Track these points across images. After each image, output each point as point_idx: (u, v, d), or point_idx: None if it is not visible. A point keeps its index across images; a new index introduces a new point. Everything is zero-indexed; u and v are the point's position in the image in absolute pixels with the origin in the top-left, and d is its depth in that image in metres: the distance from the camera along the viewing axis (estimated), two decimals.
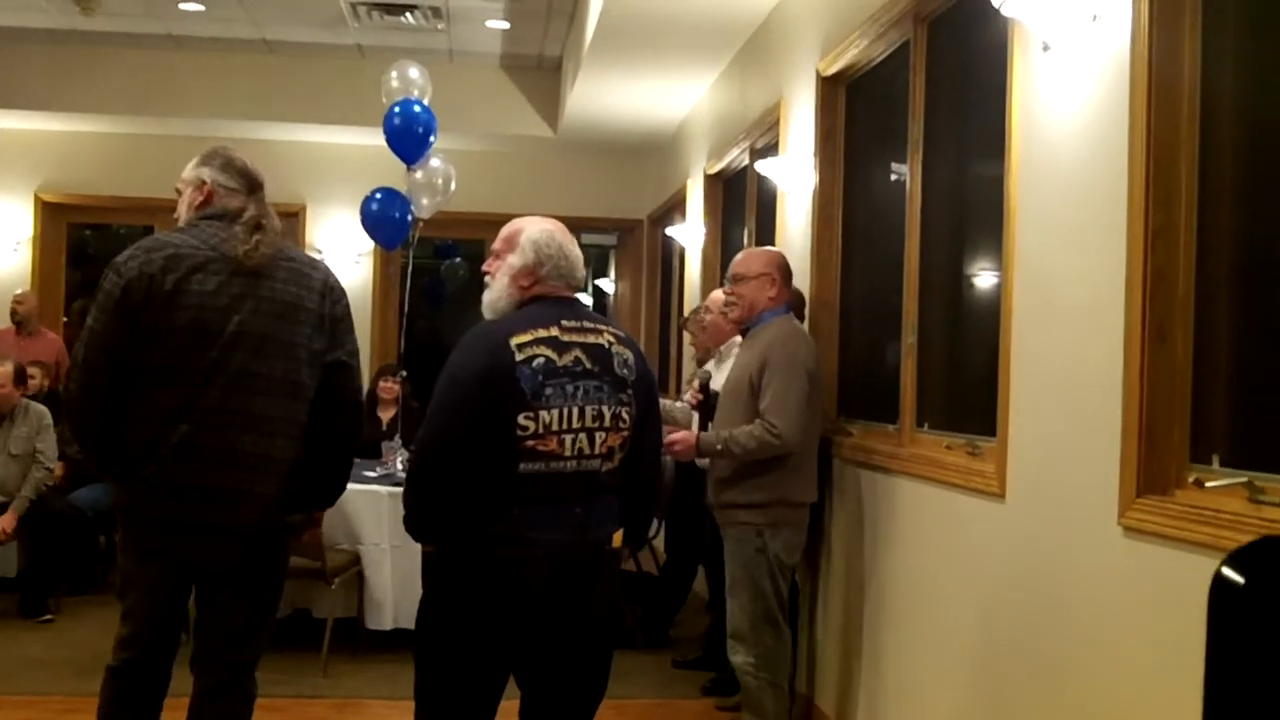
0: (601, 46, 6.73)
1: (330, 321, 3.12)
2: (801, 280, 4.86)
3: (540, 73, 9.40)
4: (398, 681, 4.72)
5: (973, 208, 3.94)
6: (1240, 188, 2.63)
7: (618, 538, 2.88)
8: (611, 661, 2.93)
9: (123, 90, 9.15)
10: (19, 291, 8.55)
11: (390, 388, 7.35)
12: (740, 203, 6.87)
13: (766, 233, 5.88)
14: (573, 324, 2.79)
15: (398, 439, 6.44)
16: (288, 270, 3.07)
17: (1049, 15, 2.94)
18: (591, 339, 2.80)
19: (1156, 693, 2.49)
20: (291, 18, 8.34)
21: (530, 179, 9.86)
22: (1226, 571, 1.35)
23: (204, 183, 3.12)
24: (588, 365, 2.76)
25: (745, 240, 6.51)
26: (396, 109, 6.83)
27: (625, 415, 2.82)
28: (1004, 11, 3.07)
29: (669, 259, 9.48)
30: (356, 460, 6.54)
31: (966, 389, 3.91)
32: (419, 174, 6.94)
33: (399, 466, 6.00)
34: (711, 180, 7.57)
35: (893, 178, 4.51)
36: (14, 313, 8.20)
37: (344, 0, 7.93)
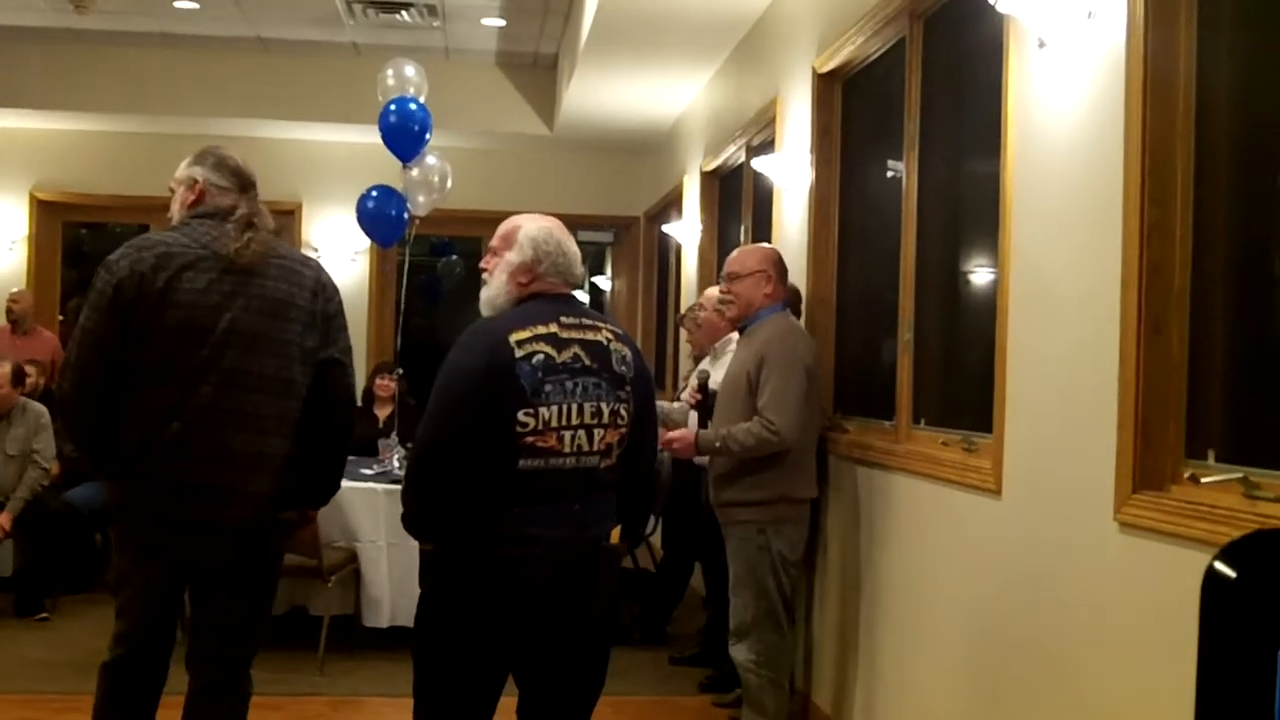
0: (597, 44, 6.73)
1: (322, 319, 3.12)
2: (798, 277, 4.87)
3: (536, 70, 9.40)
4: (395, 679, 4.72)
5: (969, 204, 3.94)
6: (1235, 183, 2.63)
7: (615, 534, 2.89)
8: (609, 658, 2.93)
9: (118, 89, 9.14)
10: (14, 290, 8.54)
11: (387, 385, 7.35)
12: (737, 200, 6.87)
13: (763, 230, 5.88)
14: (571, 321, 2.80)
15: (394, 436, 6.44)
16: (279, 268, 3.07)
17: (1044, 12, 2.94)
18: (590, 336, 2.81)
19: (1152, 687, 2.49)
20: (286, 16, 8.33)
21: (526, 176, 9.85)
22: (1219, 566, 1.35)
23: (196, 181, 3.13)
24: (587, 362, 2.77)
25: (741, 237, 6.52)
26: (392, 107, 6.83)
27: (623, 412, 2.82)
28: (999, 8, 3.07)
29: (665, 256, 9.49)
30: (353, 458, 6.57)
31: (963, 385, 3.92)
32: (415, 172, 6.94)
33: (396, 464, 6.00)
34: (708, 177, 7.57)
35: (889, 175, 4.52)
36: (9, 311, 8.19)
37: None
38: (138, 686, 3.07)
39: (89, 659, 3.27)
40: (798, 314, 4.72)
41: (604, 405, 2.78)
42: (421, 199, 6.97)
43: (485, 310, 2.87)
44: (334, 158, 9.77)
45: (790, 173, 5.24)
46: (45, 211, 9.87)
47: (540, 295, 2.84)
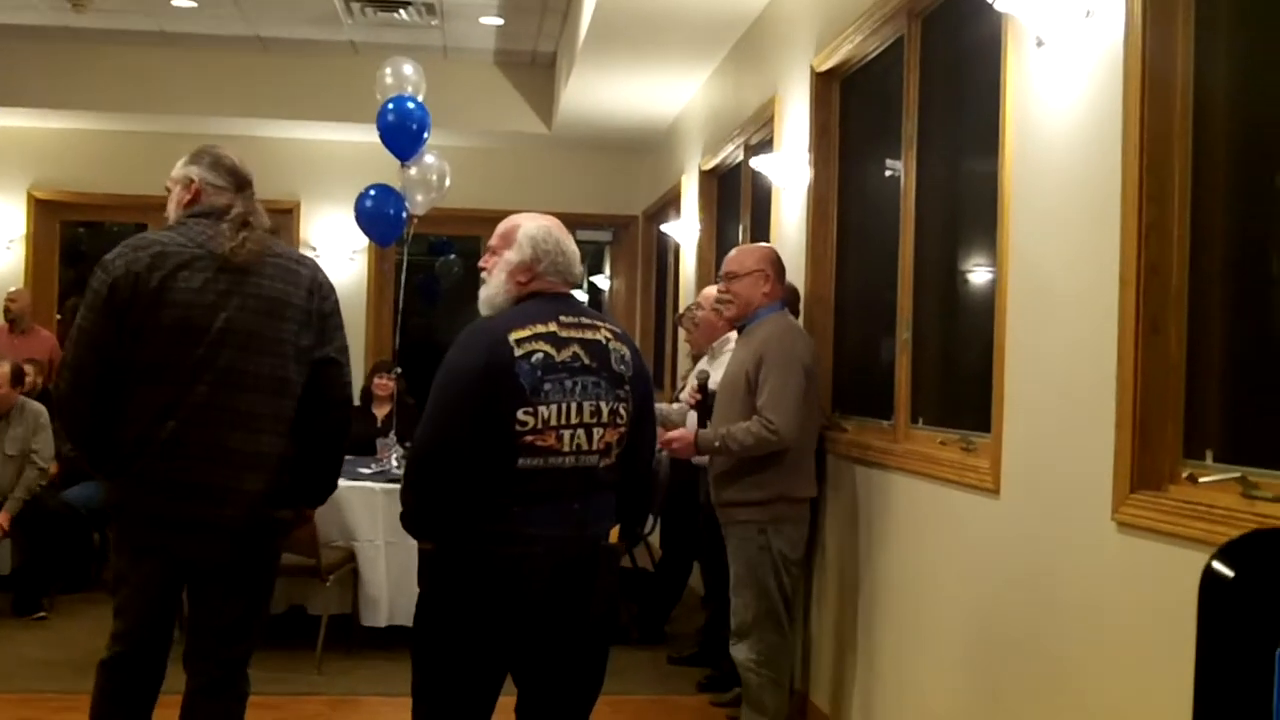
0: (596, 43, 6.73)
1: (318, 318, 3.12)
2: (796, 276, 4.87)
3: (534, 69, 9.39)
4: (393, 678, 4.72)
5: (967, 203, 3.94)
6: (1233, 182, 2.64)
7: (614, 534, 2.89)
8: (608, 658, 2.93)
9: (116, 87, 9.13)
10: (12, 289, 8.54)
11: (385, 384, 7.35)
12: (735, 199, 6.87)
13: (761, 229, 5.88)
14: (570, 320, 2.80)
15: (392, 435, 6.44)
16: (274, 267, 3.07)
17: (1042, 11, 2.94)
18: (589, 335, 2.81)
19: (1150, 686, 2.49)
20: (285, 14, 8.32)
21: (525, 175, 9.85)
22: (1217, 565, 1.35)
23: (192, 181, 3.13)
24: (586, 361, 2.77)
25: (740, 236, 6.52)
26: (390, 105, 6.83)
27: (622, 411, 2.82)
28: (998, 7, 3.07)
29: (664, 255, 9.49)
30: (351, 457, 6.57)
31: (961, 385, 3.92)
32: (413, 170, 6.94)
33: (394, 463, 5.99)
34: (706, 176, 7.57)
35: (887, 174, 4.52)
36: (7, 310, 8.18)
37: None
38: (135, 685, 3.08)
39: (87, 658, 3.27)
40: (796, 313, 4.72)
41: (603, 404, 2.78)
42: (420, 198, 6.97)
43: (484, 309, 2.87)
44: (332, 156, 9.77)
45: (788, 172, 5.24)
46: (43, 210, 9.86)
47: (539, 294, 2.84)
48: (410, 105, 6.83)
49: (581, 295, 10.53)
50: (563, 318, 2.78)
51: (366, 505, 5.59)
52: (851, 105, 4.93)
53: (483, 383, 2.67)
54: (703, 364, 5.30)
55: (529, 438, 2.68)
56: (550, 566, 2.72)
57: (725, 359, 4.70)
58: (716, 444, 4.14)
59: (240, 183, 3.15)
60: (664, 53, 6.88)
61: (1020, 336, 3.17)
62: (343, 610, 5.57)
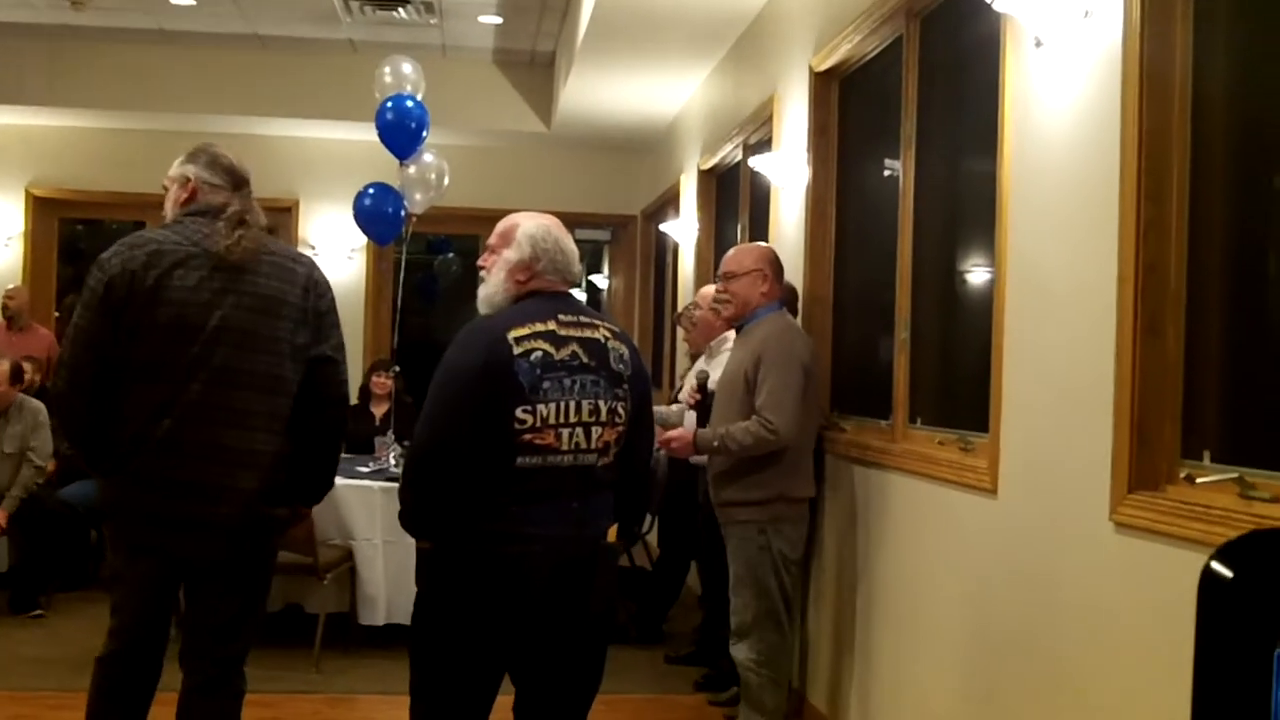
0: (594, 42, 6.73)
1: (314, 316, 3.12)
2: (795, 276, 4.87)
3: (533, 68, 9.39)
4: (391, 677, 4.71)
5: (965, 203, 3.94)
6: (1232, 182, 2.64)
7: (612, 532, 2.89)
8: (606, 657, 2.93)
9: (114, 85, 9.13)
10: (10, 287, 8.53)
11: (383, 383, 7.35)
12: (734, 198, 6.87)
13: (760, 228, 5.88)
14: (569, 319, 2.80)
15: (391, 434, 6.43)
16: (270, 265, 3.08)
17: (1041, 11, 2.94)
18: (588, 334, 2.81)
19: (1148, 687, 2.49)
20: (283, 13, 8.32)
21: (523, 174, 9.85)
22: (1215, 566, 1.35)
23: (188, 180, 3.14)
24: (584, 360, 2.77)
25: (739, 236, 6.52)
26: (389, 104, 6.83)
27: (621, 410, 2.82)
28: (996, 7, 3.07)
29: (662, 254, 9.48)
30: (349, 455, 6.56)
31: (959, 384, 3.92)
32: (412, 169, 6.94)
33: (392, 462, 5.99)
34: (705, 176, 7.57)
35: (886, 173, 4.52)
36: (5, 308, 8.17)
37: None
38: (131, 681, 3.08)
39: (84, 656, 3.27)
40: (794, 312, 4.72)
41: (602, 403, 2.78)
42: (418, 196, 6.97)
43: (483, 308, 2.87)
44: (331, 155, 9.77)
45: (787, 171, 5.24)
46: (41, 208, 9.86)
47: (538, 293, 2.84)
48: (409, 104, 6.83)
49: (580, 294, 10.53)
50: (561, 316, 2.78)
51: (364, 504, 5.59)
52: (850, 105, 4.93)
53: (482, 381, 2.68)
54: (700, 363, 5.30)
55: (527, 436, 2.68)
56: (549, 565, 2.72)
57: (723, 358, 4.70)
58: (715, 443, 4.14)
59: (237, 181, 3.16)
60: (663, 52, 6.88)
61: (1018, 336, 3.17)
62: (340, 609, 5.57)
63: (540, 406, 2.69)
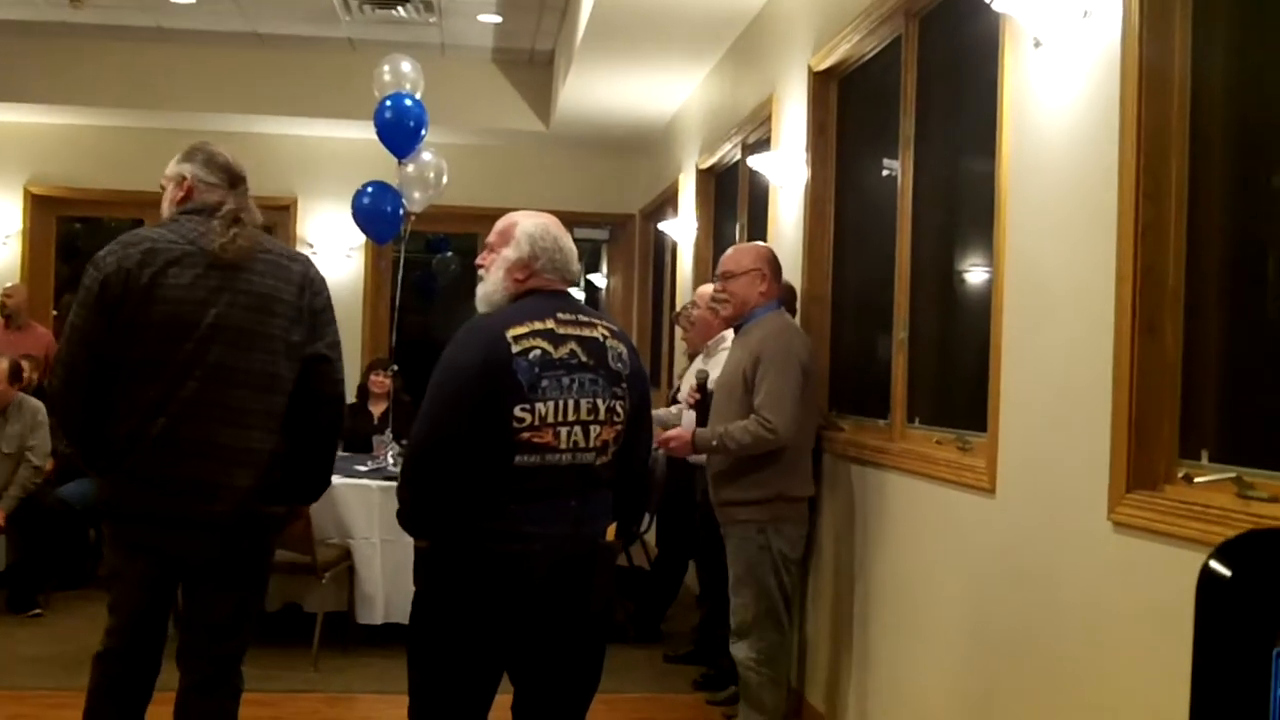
0: (593, 41, 6.73)
1: (309, 314, 3.13)
2: (793, 275, 4.87)
3: (532, 67, 9.39)
4: (389, 676, 4.72)
5: (964, 203, 3.95)
6: (1230, 182, 2.64)
7: (611, 531, 2.89)
8: (605, 656, 2.93)
9: (113, 83, 9.12)
10: (8, 285, 8.52)
11: (381, 382, 7.35)
12: (732, 198, 6.87)
13: (759, 228, 5.88)
14: (568, 317, 2.80)
15: (389, 433, 6.43)
16: (265, 263, 3.08)
17: (1040, 11, 2.94)
18: (586, 332, 2.81)
19: (1146, 686, 2.49)
20: (282, 11, 8.31)
21: (522, 173, 9.85)
22: (1214, 564, 1.36)
23: (184, 179, 3.15)
24: (583, 358, 2.77)
25: (737, 235, 6.52)
26: (388, 103, 6.83)
27: (619, 409, 2.82)
28: (995, 7, 3.07)
29: (661, 254, 9.48)
30: (348, 454, 6.55)
31: (957, 384, 3.92)
32: (410, 168, 6.93)
33: (390, 461, 5.99)
34: (704, 175, 7.57)
35: (884, 173, 4.52)
36: (3, 306, 8.16)
37: None
38: (129, 678, 3.09)
39: (82, 655, 3.27)
40: (793, 311, 4.72)
41: (600, 402, 2.78)
42: (417, 195, 6.96)
43: (481, 306, 2.87)
44: (329, 153, 9.76)
45: (786, 171, 5.24)
46: (40, 206, 9.85)
47: (537, 291, 2.84)
48: (408, 102, 6.82)
49: (578, 294, 10.53)
50: (560, 315, 2.79)
51: (363, 503, 5.59)
52: (849, 104, 4.93)
53: (480, 380, 2.68)
54: (698, 362, 5.30)
55: (526, 434, 2.68)
56: (547, 564, 2.73)
57: (721, 357, 4.70)
58: (714, 443, 4.14)
59: (233, 179, 3.16)
60: (662, 51, 6.88)
61: (1017, 336, 3.17)
62: (339, 608, 5.57)
63: (539, 405, 2.69)
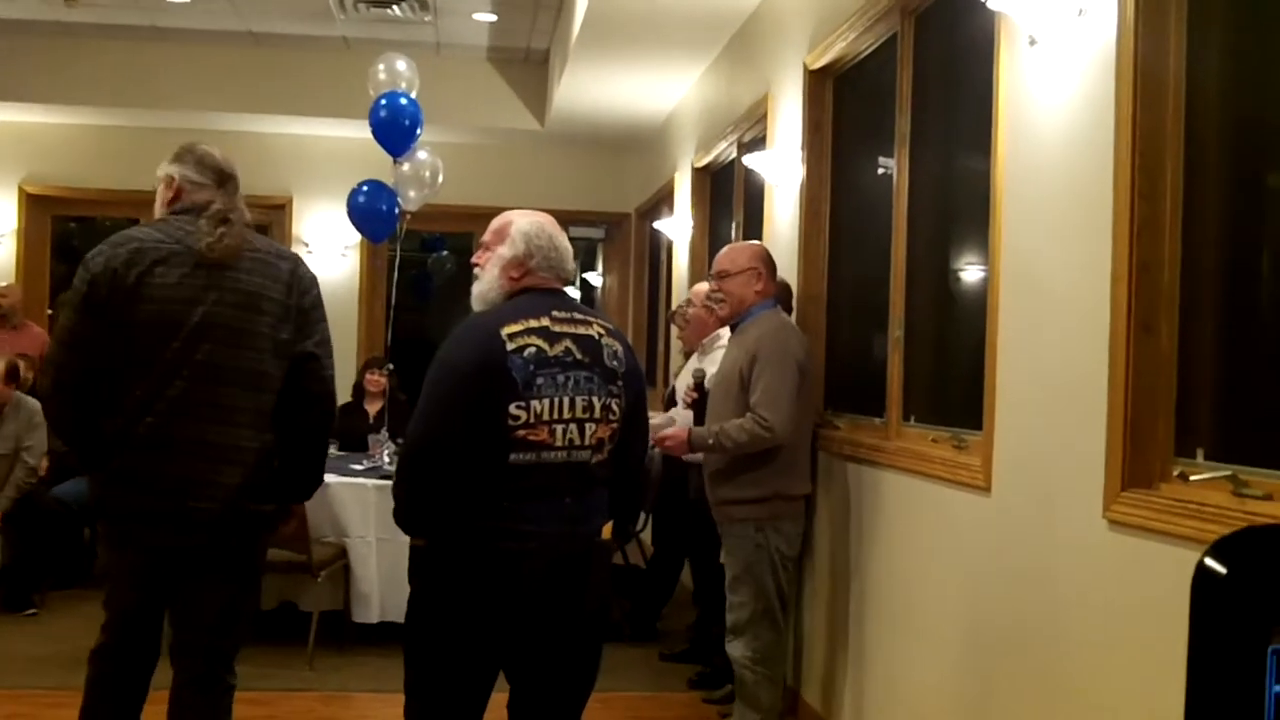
0: (589, 39, 6.73)
1: (297, 312, 3.13)
2: (789, 274, 4.87)
3: (527, 66, 9.39)
4: (384, 675, 4.72)
5: (959, 202, 3.95)
6: (1226, 181, 2.64)
7: (607, 530, 2.89)
8: (601, 654, 2.93)
9: (108, 82, 9.11)
10: (3, 285, 8.50)
11: (377, 380, 7.34)
12: (728, 196, 6.87)
13: (754, 226, 5.89)
14: (563, 315, 2.80)
15: (384, 432, 6.43)
16: (253, 261, 3.09)
17: (1035, 9, 2.94)
18: (582, 330, 2.81)
19: (1142, 683, 2.50)
20: (277, 10, 8.30)
21: (517, 172, 9.84)
22: (1209, 561, 1.36)
23: (173, 179, 3.17)
24: (578, 356, 2.77)
25: (733, 233, 6.52)
26: (383, 101, 6.82)
27: (615, 407, 2.82)
28: (990, 5, 3.08)
29: (657, 252, 9.48)
30: (343, 453, 6.54)
31: (953, 383, 3.92)
32: (406, 167, 6.93)
33: (386, 459, 5.99)
34: (699, 174, 7.57)
35: (880, 171, 4.52)
36: None
37: None
38: (125, 674, 3.11)
39: (78, 654, 3.28)
40: (789, 310, 4.72)
41: (595, 400, 2.78)
42: (412, 194, 6.96)
43: (477, 305, 2.87)
44: (325, 152, 9.75)
45: (781, 169, 5.24)
46: (34, 205, 9.83)
47: (532, 290, 2.84)
48: (403, 101, 6.82)
49: (574, 292, 10.52)
50: (555, 313, 2.79)
51: (358, 501, 5.59)
52: (845, 103, 4.93)
53: (475, 378, 2.68)
54: (693, 361, 5.30)
55: (521, 432, 2.68)
56: (543, 562, 2.72)
57: (716, 355, 4.71)
58: (710, 441, 4.14)
59: (222, 178, 3.17)
60: (657, 50, 6.87)
61: (1012, 335, 3.17)
62: (334, 606, 5.57)
63: (534, 402, 2.69)
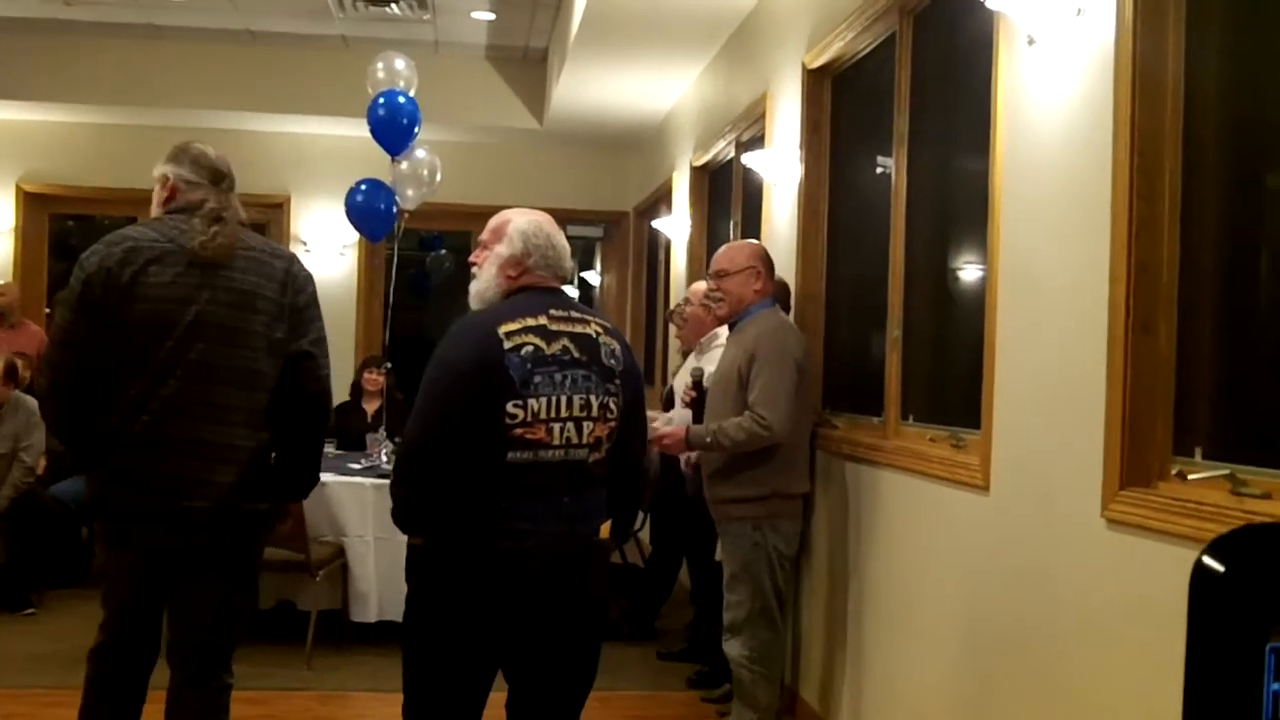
0: (587, 38, 6.72)
1: (292, 311, 3.13)
2: (787, 273, 4.87)
3: (526, 64, 9.38)
4: (382, 674, 4.72)
5: (958, 201, 3.95)
6: (1224, 181, 2.64)
7: (605, 529, 2.89)
8: (600, 653, 2.93)
9: (106, 81, 9.10)
10: (1, 283, 8.50)
11: (375, 379, 7.34)
12: (726, 195, 6.87)
13: (752, 225, 5.89)
14: (561, 313, 2.80)
15: (382, 431, 6.43)
16: (246, 260, 3.09)
17: (1034, 9, 2.95)
18: (579, 329, 2.81)
19: (1140, 682, 2.50)
20: (275, 8, 8.30)
21: (516, 171, 9.84)
22: (1207, 560, 1.36)
23: (167, 179, 3.18)
24: (576, 354, 2.77)
25: (731, 233, 6.52)
26: (381, 100, 6.81)
27: (613, 406, 2.82)
28: (989, 5, 3.08)
29: (655, 251, 9.48)
30: (341, 452, 6.54)
31: (951, 382, 3.92)
32: (404, 165, 6.92)
33: (383, 458, 5.99)
34: (697, 173, 7.57)
35: (878, 171, 4.52)
36: None
37: None
38: (123, 672, 3.12)
39: (76, 653, 3.28)
40: (787, 308, 4.72)
41: (593, 398, 2.78)
42: (410, 193, 6.95)
43: (474, 303, 2.87)
44: (323, 151, 9.75)
45: (780, 168, 5.24)
46: (32, 203, 9.82)
47: (529, 288, 2.84)
48: (401, 100, 6.81)
49: (572, 291, 10.52)
50: (553, 311, 2.79)
51: (356, 500, 5.59)
52: (843, 102, 4.93)
53: (473, 376, 2.68)
54: (691, 360, 5.30)
55: (518, 430, 2.68)
56: (541, 561, 2.72)
57: (714, 354, 4.70)
58: (708, 439, 4.14)
59: (216, 177, 3.17)
60: (656, 49, 6.87)
61: (1010, 334, 3.17)
62: (332, 606, 5.57)
63: (531, 401, 2.69)
